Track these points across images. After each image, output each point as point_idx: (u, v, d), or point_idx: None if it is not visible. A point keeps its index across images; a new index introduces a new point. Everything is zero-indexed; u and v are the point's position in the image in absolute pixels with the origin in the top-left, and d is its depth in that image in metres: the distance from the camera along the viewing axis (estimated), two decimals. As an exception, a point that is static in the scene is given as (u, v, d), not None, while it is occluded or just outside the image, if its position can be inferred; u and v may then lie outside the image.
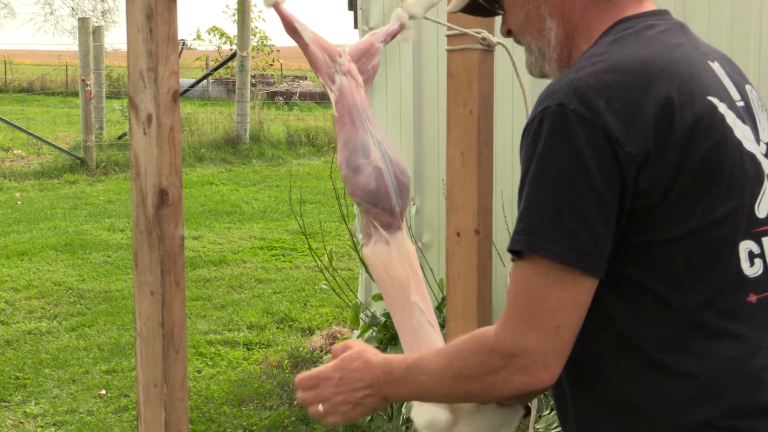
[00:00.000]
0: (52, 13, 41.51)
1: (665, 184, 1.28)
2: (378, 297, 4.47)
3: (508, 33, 1.58)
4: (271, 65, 25.57)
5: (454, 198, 2.23)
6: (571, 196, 1.26)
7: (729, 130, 1.33)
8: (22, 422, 4.39)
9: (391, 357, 1.49)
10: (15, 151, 14.18)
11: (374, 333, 4.49)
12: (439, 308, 4.43)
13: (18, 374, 4.99)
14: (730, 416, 1.31)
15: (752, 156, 1.36)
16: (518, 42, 1.58)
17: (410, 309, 1.73)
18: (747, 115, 1.40)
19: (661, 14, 1.45)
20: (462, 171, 2.22)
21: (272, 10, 1.79)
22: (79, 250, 7.87)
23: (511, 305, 1.31)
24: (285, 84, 25.35)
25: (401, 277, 1.73)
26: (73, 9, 36.38)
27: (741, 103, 1.40)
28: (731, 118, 1.35)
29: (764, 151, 1.40)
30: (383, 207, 1.73)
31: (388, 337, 4.40)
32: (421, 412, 1.63)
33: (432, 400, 1.51)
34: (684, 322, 1.31)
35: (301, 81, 25.78)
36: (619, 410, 1.35)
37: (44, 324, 5.88)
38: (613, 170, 1.26)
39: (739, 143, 1.34)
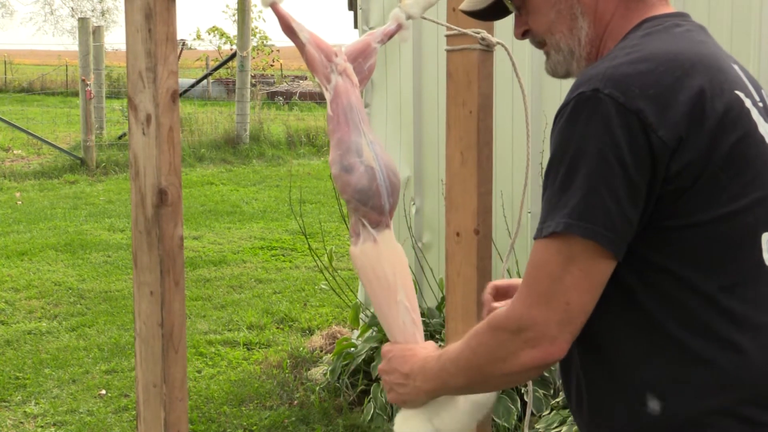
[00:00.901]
0: (52, 13, 41.48)
1: (695, 169, 1.30)
2: (378, 297, 4.46)
3: (523, 35, 1.58)
4: (271, 65, 25.59)
5: (454, 198, 2.23)
6: (606, 177, 1.28)
7: (754, 125, 1.37)
8: (22, 422, 4.39)
9: (430, 354, 1.56)
10: (15, 151, 14.18)
11: (374, 333, 4.49)
12: (438, 308, 4.43)
13: (18, 374, 4.99)
14: (750, 405, 1.33)
15: None
16: (537, 44, 1.58)
17: (396, 308, 1.74)
18: (764, 109, 1.44)
19: (684, 16, 1.50)
20: (461, 171, 2.22)
21: (270, 9, 1.79)
22: (79, 250, 7.87)
23: (526, 282, 1.34)
24: (285, 84, 25.35)
25: (388, 276, 1.74)
26: (72, 9, 36.39)
27: (761, 104, 1.44)
28: (755, 114, 1.39)
29: None
30: (373, 206, 1.74)
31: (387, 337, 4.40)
32: (404, 425, 1.64)
33: (456, 390, 1.54)
34: (707, 308, 1.33)
35: (301, 81, 25.78)
36: (637, 393, 1.36)
37: (44, 324, 5.88)
38: (646, 154, 1.29)
39: (762, 139, 1.38)
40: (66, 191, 11.06)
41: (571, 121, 1.32)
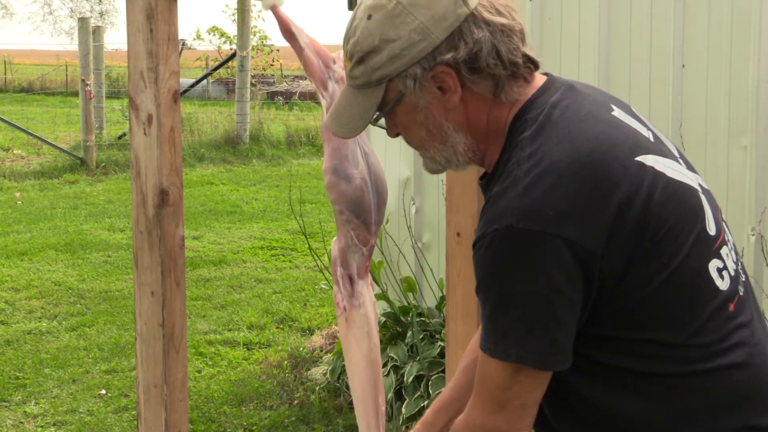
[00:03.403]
0: (51, 14, 41.44)
1: (628, 257, 1.33)
2: (378, 296, 4.47)
3: (397, 134, 1.53)
4: (271, 65, 25.55)
5: (454, 198, 2.23)
6: (540, 305, 1.32)
7: (664, 178, 1.38)
8: (22, 422, 4.39)
9: None
10: (15, 151, 14.17)
11: (374, 333, 4.49)
12: (438, 308, 4.43)
13: (18, 374, 4.99)
14: (756, 415, 1.38)
15: (685, 185, 1.42)
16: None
17: (375, 411, 1.81)
18: (659, 145, 1.45)
19: (552, 84, 1.47)
20: (462, 171, 2.21)
21: (270, 12, 1.79)
22: (79, 250, 7.86)
23: (478, 392, 1.41)
24: (285, 84, 25.33)
25: (377, 377, 1.82)
26: (72, 10, 36.36)
27: (651, 136, 1.45)
28: (660, 163, 1.40)
29: (685, 167, 1.47)
30: (364, 220, 1.74)
31: (387, 337, 4.40)
32: None
33: None
34: (688, 351, 1.36)
35: (301, 81, 25.76)
36: None
37: (44, 324, 5.87)
38: (576, 268, 1.30)
39: (675, 182, 1.40)
40: (66, 191, 11.06)
41: (494, 257, 1.33)
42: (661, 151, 1.44)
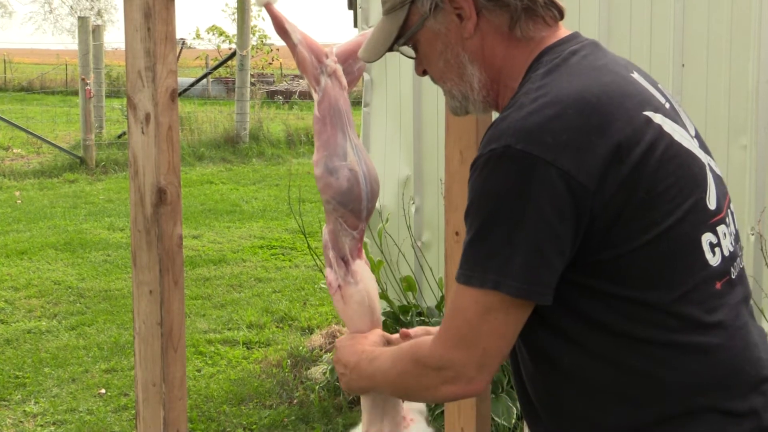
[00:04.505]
0: (51, 12, 41.43)
1: (620, 203, 1.32)
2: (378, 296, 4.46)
3: (424, 72, 1.58)
4: (271, 64, 25.57)
5: (453, 197, 2.23)
6: (528, 234, 1.30)
7: (669, 138, 1.38)
8: (21, 421, 4.39)
9: (369, 350, 1.63)
10: (15, 150, 14.18)
11: (374, 332, 4.49)
12: (438, 307, 4.43)
13: (18, 373, 4.99)
14: (729, 399, 1.38)
15: (692, 153, 1.42)
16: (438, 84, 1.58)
17: (371, 323, 1.81)
18: (674, 114, 1.45)
19: (576, 37, 1.49)
20: (461, 170, 2.21)
21: (264, 9, 1.79)
22: (78, 249, 7.87)
23: (446, 324, 1.40)
24: (284, 83, 25.33)
25: (375, 307, 1.82)
26: (71, 8, 36.36)
27: (667, 105, 1.46)
28: (668, 125, 1.40)
29: (698, 145, 1.47)
30: (352, 209, 1.75)
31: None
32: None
33: (385, 394, 1.68)
34: (667, 319, 1.36)
35: (301, 80, 25.74)
36: (612, 402, 1.39)
37: (44, 323, 5.88)
38: (567, 201, 1.30)
39: (679, 145, 1.40)
40: (65, 190, 11.06)
41: (487, 177, 1.33)
42: (674, 117, 1.44)
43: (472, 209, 1.35)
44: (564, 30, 1.50)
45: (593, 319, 1.37)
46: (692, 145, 1.43)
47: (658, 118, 1.39)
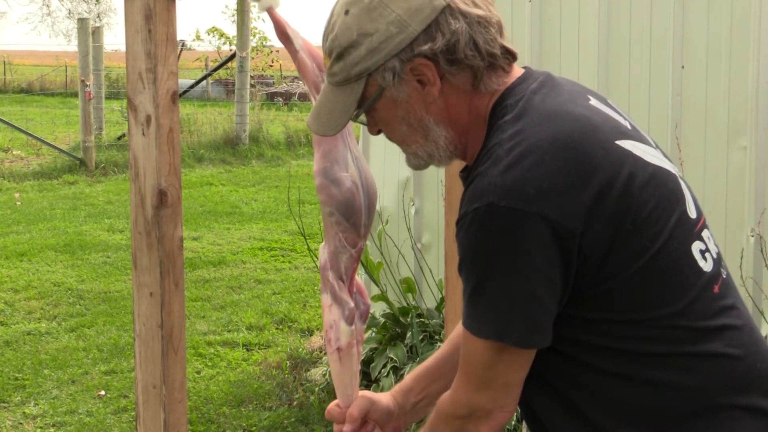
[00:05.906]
0: (50, 14, 41.41)
1: (609, 237, 1.34)
2: (378, 297, 4.47)
3: (378, 131, 1.53)
4: (271, 66, 25.57)
5: (453, 199, 2.23)
6: (520, 282, 1.33)
7: (642, 162, 1.40)
8: (21, 423, 4.39)
9: None
10: (14, 152, 14.17)
11: (373, 333, 4.49)
12: (438, 309, 4.43)
13: (17, 375, 4.99)
14: (755, 397, 1.41)
15: (663, 170, 1.43)
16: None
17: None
18: (636, 133, 1.47)
19: (531, 74, 1.49)
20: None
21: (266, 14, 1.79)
22: (78, 251, 7.86)
23: (462, 371, 1.44)
24: (284, 85, 25.34)
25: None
26: (70, 11, 36.34)
27: (627, 125, 1.47)
28: (638, 148, 1.41)
29: (661, 154, 1.48)
30: (354, 222, 1.73)
31: (387, 338, 4.40)
32: None
33: None
34: (673, 333, 1.38)
35: (300, 82, 25.72)
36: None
37: (43, 325, 5.87)
38: (556, 247, 1.32)
39: (653, 166, 1.41)
40: (65, 192, 11.06)
41: (475, 235, 1.34)
42: (639, 138, 1.46)
43: (465, 266, 1.37)
44: (515, 68, 1.49)
45: (602, 345, 1.39)
46: (660, 160, 1.45)
47: (628, 145, 1.40)
